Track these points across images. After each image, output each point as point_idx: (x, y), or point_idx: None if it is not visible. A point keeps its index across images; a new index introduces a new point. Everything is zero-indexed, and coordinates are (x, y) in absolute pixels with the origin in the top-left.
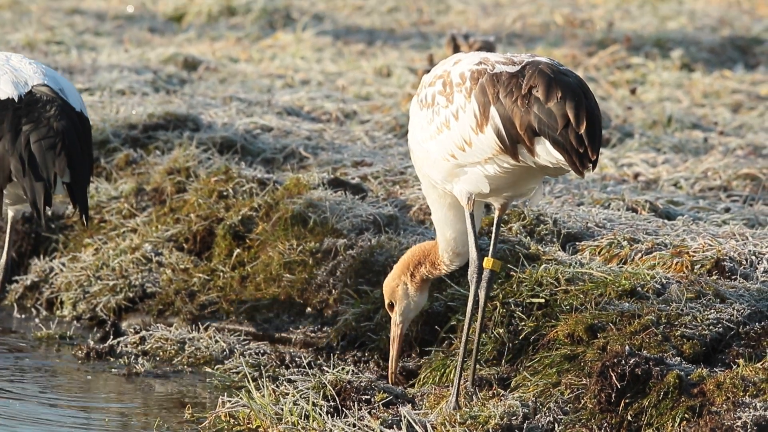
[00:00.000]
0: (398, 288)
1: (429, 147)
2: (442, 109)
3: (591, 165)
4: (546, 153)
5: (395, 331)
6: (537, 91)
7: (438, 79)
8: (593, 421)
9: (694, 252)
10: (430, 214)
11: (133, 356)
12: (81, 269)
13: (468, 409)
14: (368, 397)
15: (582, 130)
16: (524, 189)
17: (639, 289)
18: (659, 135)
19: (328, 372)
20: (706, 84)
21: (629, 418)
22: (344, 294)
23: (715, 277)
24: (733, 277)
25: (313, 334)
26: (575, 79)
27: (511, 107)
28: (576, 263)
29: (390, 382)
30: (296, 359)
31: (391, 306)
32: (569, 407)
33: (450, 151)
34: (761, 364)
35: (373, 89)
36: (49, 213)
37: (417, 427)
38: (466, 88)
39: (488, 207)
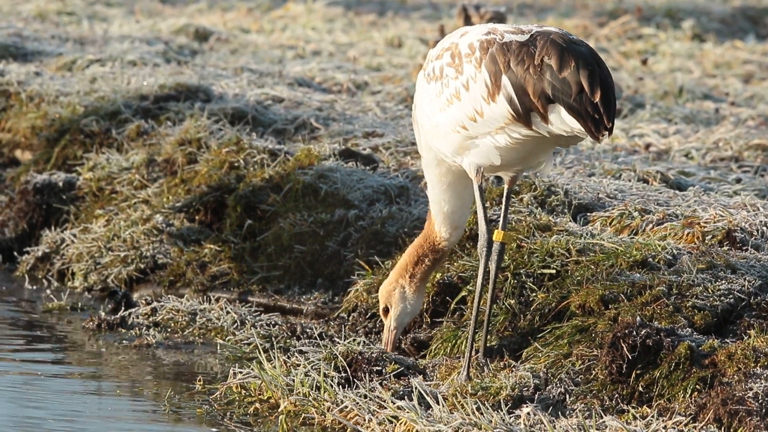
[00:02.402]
0: (395, 291)
1: (438, 120)
2: (452, 81)
3: (606, 132)
4: (560, 121)
5: (388, 337)
6: (550, 60)
7: (446, 51)
8: (604, 392)
9: (705, 223)
10: None
11: (144, 327)
12: (92, 240)
13: (479, 381)
14: (379, 368)
15: (597, 99)
16: (534, 161)
17: (650, 259)
18: (670, 106)
19: (339, 343)
20: (717, 54)
21: (640, 389)
22: (355, 265)
23: (726, 248)
24: (744, 248)
25: (324, 305)
26: (587, 48)
27: (524, 75)
28: (587, 234)
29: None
30: (307, 330)
31: (386, 311)
32: (580, 378)
33: (461, 122)
34: None
35: (384, 60)
36: None
37: (428, 398)
38: (476, 58)
39: (498, 179)
